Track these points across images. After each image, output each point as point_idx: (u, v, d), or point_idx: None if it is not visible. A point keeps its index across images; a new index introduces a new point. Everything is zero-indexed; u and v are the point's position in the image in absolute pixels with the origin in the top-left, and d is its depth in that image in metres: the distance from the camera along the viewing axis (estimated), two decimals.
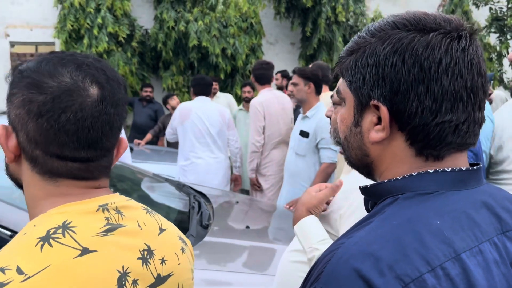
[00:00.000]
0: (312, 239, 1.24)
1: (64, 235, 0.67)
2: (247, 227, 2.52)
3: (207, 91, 4.00)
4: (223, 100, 5.93)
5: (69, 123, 0.69)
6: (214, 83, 5.83)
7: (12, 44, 7.69)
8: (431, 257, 0.56)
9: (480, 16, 7.60)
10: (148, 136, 5.78)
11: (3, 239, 1.65)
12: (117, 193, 0.81)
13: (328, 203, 1.34)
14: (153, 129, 5.92)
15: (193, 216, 2.36)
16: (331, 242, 1.22)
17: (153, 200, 2.79)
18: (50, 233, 0.67)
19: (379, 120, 0.66)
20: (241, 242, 2.36)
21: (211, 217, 2.50)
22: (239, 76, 7.53)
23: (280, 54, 8.31)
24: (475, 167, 0.67)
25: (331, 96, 1.41)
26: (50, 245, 0.65)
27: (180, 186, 2.95)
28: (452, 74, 0.61)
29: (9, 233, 1.66)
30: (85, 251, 0.67)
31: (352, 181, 1.27)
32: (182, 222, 2.40)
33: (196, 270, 1.94)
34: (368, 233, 0.60)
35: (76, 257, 0.66)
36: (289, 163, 3.43)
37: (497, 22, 6.86)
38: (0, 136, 0.72)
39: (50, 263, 0.64)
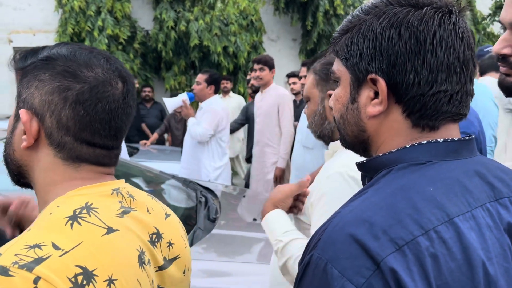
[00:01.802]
0: (277, 231, 1.26)
1: (89, 215, 0.70)
2: (254, 219, 2.55)
3: (219, 89, 4.08)
4: (235, 101, 5.97)
5: (104, 112, 0.74)
6: (226, 81, 5.85)
7: (16, 50, 7.74)
8: (424, 221, 0.58)
9: (484, 5, 7.58)
10: (155, 136, 5.83)
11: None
12: (123, 180, 0.84)
13: (302, 201, 1.35)
14: (159, 128, 5.96)
15: (200, 210, 2.40)
16: (296, 232, 1.25)
17: (161, 196, 2.83)
18: (77, 213, 0.70)
19: (375, 95, 0.68)
20: (248, 234, 2.39)
21: (218, 211, 2.54)
22: (241, 74, 7.55)
23: (282, 50, 8.32)
24: (467, 138, 0.69)
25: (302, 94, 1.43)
26: (79, 223, 0.69)
27: (187, 182, 2.99)
28: (446, 46, 0.64)
29: None
30: (110, 230, 0.71)
31: (325, 168, 1.29)
32: (190, 216, 2.44)
33: (205, 261, 1.99)
34: (362, 202, 0.63)
35: (104, 235, 0.70)
36: (296, 156, 3.45)
37: (500, 10, 6.84)
38: (26, 122, 0.73)
39: (83, 240, 0.67)
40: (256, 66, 4.12)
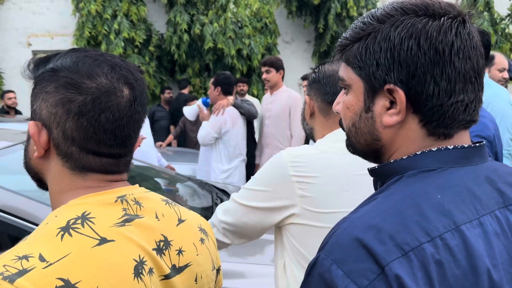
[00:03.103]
0: None
1: (83, 226, 0.70)
2: None
3: (232, 91, 4.01)
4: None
5: (108, 122, 0.73)
6: (243, 84, 5.86)
7: (35, 53, 7.91)
8: (431, 229, 0.59)
9: (502, 6, 7.49)
10: (170, 138, 5.88)
11: None
12: (137, 185, 0.83)
13: None
14: (174, 130, 6.02)
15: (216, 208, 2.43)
16: None
17: (177, 197, 2.87)
18: (70, 223, 0.69)
19: (391, 104, 0.67)
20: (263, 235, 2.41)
21: None
22: (255, 76, 7.58)
23: (296, 52, 8.33)
24: (477, 144, 0.69)
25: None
26: (70, 235, 0.68)
27: (203, 184, 3.02)
28: (463, 56, 0.64)
29: None
30: (103, 241, 0.70)
31: None
32: (206, 217, 2.46)
33: None
34: (372, 208, 0.64)
35: (94, 246, 0.69)
36: None
37: None
38: (34, 134, 0.75)
39: (70, 251, 0.66)
40: (263, 69, 4.11)
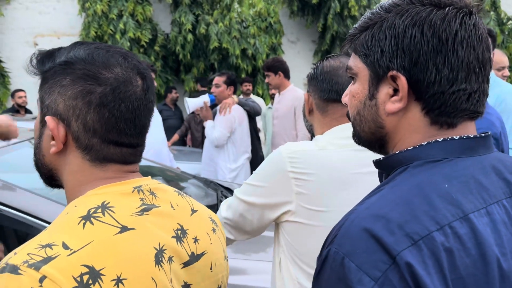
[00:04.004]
0: None
1: (104, 214, 0.71)
2: None
3: (237, 90, 4.09)
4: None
5: (128, 111, 0.75)
6: (249, 84, 5.87)
7: None
8: (439, 217, 0.59)
9: (508, 5, 7.45)
10: (175, 137, 5.90)
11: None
12: (149, 177, 0.84)
13: None
14: (179, 129, 6.04)
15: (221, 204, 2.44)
16: None
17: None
18: (91, 212, 0.70)
19: (394, 92, 0.68)
20: (266, 233, 2.41)
21: None
22: (260, 76, 7.59)
23: (301, 52, 8.33)
24: (483, 135, 0.69)
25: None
26: (92, 223, 0.69)
27: (208, 182, 3.03)
28: (467, 46, 0.65)
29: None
30: (124, 229, 0.71)
31: None
32: None
33: None
34: (379, 199, 0.64)
35: (116, 234, 0.70)
36: None
37: None
38: (53, 128, 0.75)
39: (93, 239, 0.67)
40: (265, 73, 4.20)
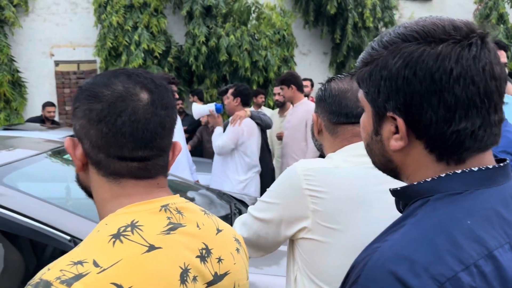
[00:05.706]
0: None
1: (133, 233, 0.73)
2: None
3: (250, 102, 4.08)
4: (267, 114, 6.02)
5: (125, 125, 0.76)
6: (261, 95, 5.92)
7: (57, 63, 8.10)
8: (464, 256, 0.58)
9: None
10: (187, 148, 5.93)
11: (63, 243, 1.79)
12: (177, 195, 0.86)
13: None
14: (191, 140, 6.08)
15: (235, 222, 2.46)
16: None
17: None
18: (121, 231, 0.73)
19: (397, 129, 0.67)
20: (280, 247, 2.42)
21: None
22: (271, 87, 7.63)
23: (313, 64, 8.37)
24: (501, 164, 0.68)
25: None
26: (121, 241, 0.72)
27: (221, 194, 3.05)
28: (464, 83, 0.62)
29: (68, 237, 1.80)
30: (151, 248, 0.73)
31: None
32: None
33: None
34: (401, 237, 0.62)
35: (144, 252, 0.72)
36: None
37: None
38: (68, 147, 0.80)
39: (122, 258, 0.70)
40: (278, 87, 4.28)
